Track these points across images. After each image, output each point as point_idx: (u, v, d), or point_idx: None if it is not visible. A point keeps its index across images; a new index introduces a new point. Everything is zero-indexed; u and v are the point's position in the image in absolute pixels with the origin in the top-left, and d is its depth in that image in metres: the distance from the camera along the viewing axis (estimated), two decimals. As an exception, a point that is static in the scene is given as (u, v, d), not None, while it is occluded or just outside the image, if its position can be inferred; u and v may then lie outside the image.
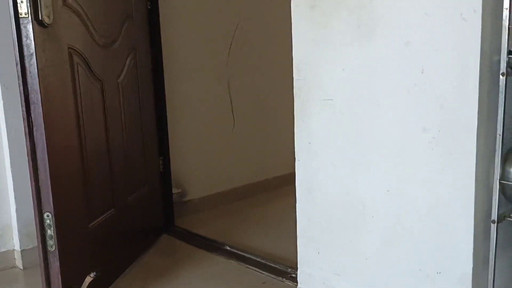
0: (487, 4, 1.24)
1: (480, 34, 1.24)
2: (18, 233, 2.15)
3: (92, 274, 1.71)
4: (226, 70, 2.86)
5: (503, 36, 1.25)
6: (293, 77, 1.69)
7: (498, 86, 1.27)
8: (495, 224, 1.31)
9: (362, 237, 1.57)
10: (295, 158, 1.73)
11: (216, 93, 2.86)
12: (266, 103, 3.07)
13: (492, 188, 1.32)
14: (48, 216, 1.57)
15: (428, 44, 1.33)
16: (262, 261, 2.15)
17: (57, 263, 1.59)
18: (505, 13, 1.24)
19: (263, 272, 2.07)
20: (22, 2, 1.47)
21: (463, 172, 1.32)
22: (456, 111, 1.31)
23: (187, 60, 2.70)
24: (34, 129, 1.54)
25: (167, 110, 2.50)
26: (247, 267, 2.13)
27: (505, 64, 1.25)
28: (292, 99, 1.71)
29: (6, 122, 2.05)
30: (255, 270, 2.10)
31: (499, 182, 1.30)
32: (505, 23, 1.24)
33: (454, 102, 1.31)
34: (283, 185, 3.01)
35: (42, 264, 1.60)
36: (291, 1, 1.64)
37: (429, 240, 1.42)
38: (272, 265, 2.11)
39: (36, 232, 1.59)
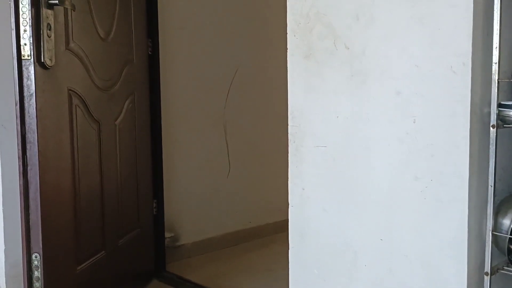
0: (477, 58, 1.28)
1: (470, 87, 1.27)
2: (5, 275, 2.10)
3: (78, 319, 1.67)
4: (223, 114, 2.90)
5: (492, 89, 1.28)
6: (288, 124, 1.72)
7: (489, 137, 1.29)
8: (489, 276, 1.30)
9: (355, 286, 1.55)
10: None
11: (213, 138, 2.88)
12: (261, 149, 3.09)
13: (485, 240, 1.31)
14: (36, 257, 1.55)
15: (419, 95, 1.36)
16: (254, 309, 2.11)
17: (43, 306, 1.56)
18: (494, 67, 1.27)
19: (254, 321, 2.02)
20: (25, 44, 1.51)
21: (455, 223, 1.32)
22: (447, 161, 1.33)
23: (185, 105, 2.74)
24: (28, 168, 1.55)
25: (163, 153, 2.52)
26: (237, 316, 2.08)
27: (495, 117, 1.28)
28: (287, 145, 1.73)
29: (1, 161, 2.05)
30: (246, 319, 2.05)
31: (492, 234, 1.30)
32: (495, 76, 1.27)
33: (446, 152, 1.33)
34: (277, 231, 2.98)
35: (28, 307, 1.56)
36: (287, 51, 1.68)
37: (422, 291, 1.39)
38: (263, 314, 2.06)
39: (23, 273, 1.56)
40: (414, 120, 1.38)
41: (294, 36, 1.64)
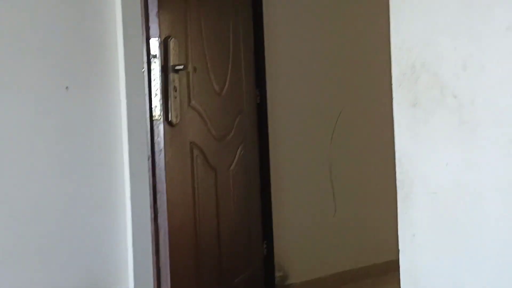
0: None
1: None
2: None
3: None
4: (328, 156, 2.98)
5: None
6: (394, 167, 1.75)
7: None
8: None
9: (473, 338, 1.51)
10: (398, 246, 1.74)
11: (319, 178, 2.95)
12: (367, 188, 3.09)
13: None
14: (165, 296, 1.72)
15: (534, 143, 1.34)
16: None
17: None
18: None
19: None
20: (156, 106, 1.73)
21: None
22: None
23: (292, 148, 2.85)
24: (159, 215, 1.74)
25: (272, 195, 2.64)
26: None
27: None
28: (394, 187, 1.75)
29: (132, 207, 2.28)
30: None
31: None
32: None
33: None
34: (386, 271, 2.94)
35: None
36: (393, 99, 1.73)
37: None
38: None
39: (154, 311, 1.74)
40: (531, 168, 1.35)
41: (400, 85, 1.69)
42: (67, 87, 2.07)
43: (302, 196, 2.90)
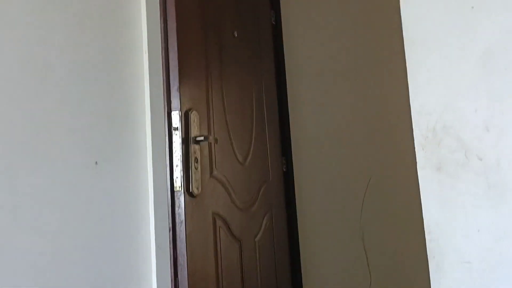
0: None
1: None
2: None
3: None
4: (360, 225, 2.88)
5: None
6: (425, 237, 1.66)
7: None
8: None
9: None
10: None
11: (351, 248, 2.85)
12: (404, 257, 2.95)
13: None
14: None
15: None
16: None
17: None
18: None
19: None
20: (177, 177, 1.74)
21: None
22: None
23: (321, 217, 2.78)
24: (180, 289, 1.70)
25: (301, 267, 2.55)
26: None
27: None
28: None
29: (157, 279, 2.26)
30: None
31: None
32: None
33: None
34: None
35: None
36: (417, 164, 1.68)
37: None
38: None
39: None
40: None
41: (423, 149, 1.65)
42: (96, 162, 2.12)
43: (334, 265, 2.78)
